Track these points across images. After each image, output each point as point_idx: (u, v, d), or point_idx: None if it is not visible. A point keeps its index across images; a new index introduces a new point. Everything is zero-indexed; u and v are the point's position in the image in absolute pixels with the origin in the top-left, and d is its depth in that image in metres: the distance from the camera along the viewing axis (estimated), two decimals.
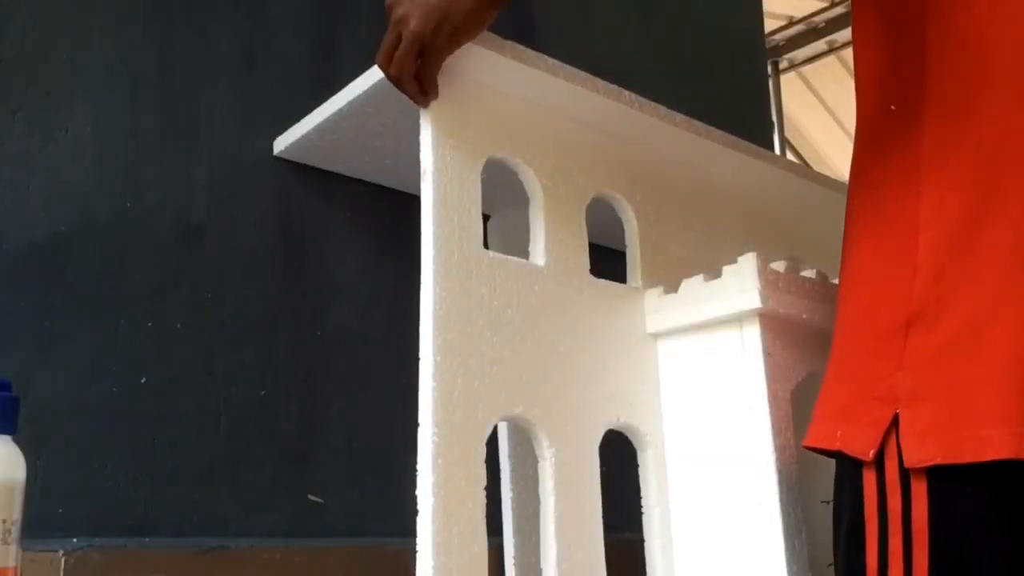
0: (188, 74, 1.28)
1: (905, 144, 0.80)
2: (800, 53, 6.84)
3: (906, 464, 0.73)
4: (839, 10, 6.47)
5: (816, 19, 6.56)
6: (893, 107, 0.82)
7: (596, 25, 1.89)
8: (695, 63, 2.11)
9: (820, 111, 7.33)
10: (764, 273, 0.97)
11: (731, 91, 2.18)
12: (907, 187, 0.79)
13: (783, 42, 6.72)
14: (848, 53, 6.83)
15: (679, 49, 2.08)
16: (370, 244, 1.41)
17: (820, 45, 6.74)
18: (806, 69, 7.01)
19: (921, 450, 0.72)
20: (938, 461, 0.71)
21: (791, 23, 6.62)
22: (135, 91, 1.23)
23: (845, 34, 6.62)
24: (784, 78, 6.90)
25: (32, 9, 1.17)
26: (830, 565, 0.87)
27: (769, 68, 5.99)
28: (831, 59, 6.87)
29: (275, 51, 1.37)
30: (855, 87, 0.90)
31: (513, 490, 1.20)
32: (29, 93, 1.15)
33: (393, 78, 0.92)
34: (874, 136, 0.85)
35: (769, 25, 5.60)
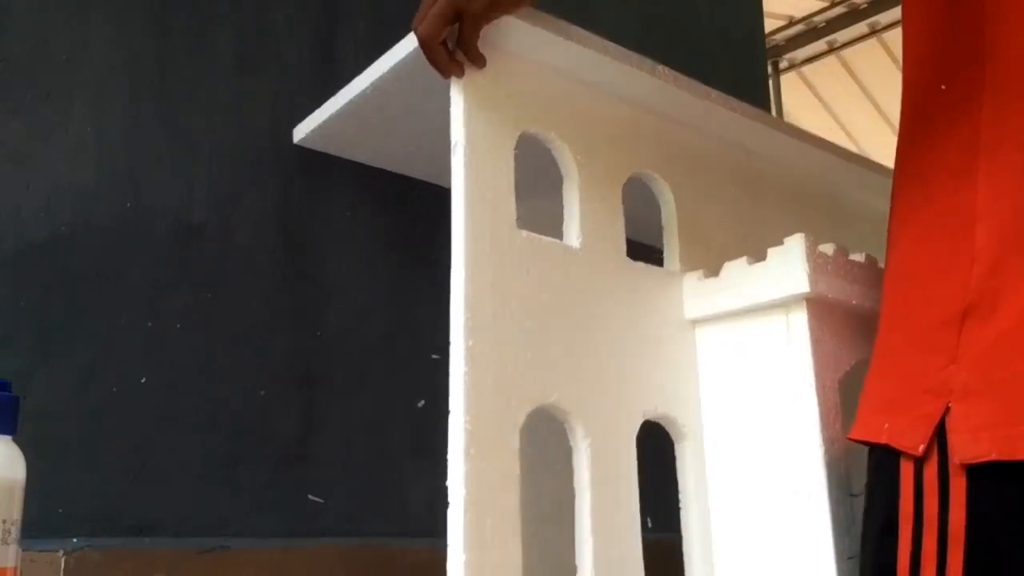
0: (188, 73, 1.28)
1: (960, 128, 0.76)
2: (800, 53, 6.85)
3: (959, 460, 0.70)
4: (839, 10, 6.48)
5: (816, 19, 6.57)
6: (944, 87, 0.78)
7: (595, 25, 1.89)
8: (695, 63, 2.10)
9: (820, 111, 7.33)
10: (812, 256, 0.92)
11: (731, 91, 2.17)
12: (962, 174, 0.75)
13: (783, 42, 6.73)
14: (847, 53, 6.84)
15: (679, 49, 2.08)
16: (370, 244, 1.41)
17: (820, 45, 6.75)
18: (806, 69, 7.01)
19: (976, 446, 0.69)
20: (993, 457, 0.68)
21: (791, 23, 6.63)
22: (135, 90, 1.23)
23: (845, 34, 6.63)
24: (784, 78, 6.91)
25: (32, 9, 1.17)
26: (851, 558, 0.85)
27: (769, 68, 6.00)
28: (831, 59, 6.87)
29: (275, 51, 1.37)
30: (903, 67, 0.86)
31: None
32: (29, 92, 1.15)
33: (421, 40, 0.88)
34: (924, 120, 0.81)
35: (769, 25, 5.60)
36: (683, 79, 1.09)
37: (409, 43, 1.02)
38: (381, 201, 1.42)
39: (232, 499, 1.19)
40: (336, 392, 1.32)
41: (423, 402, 1.36)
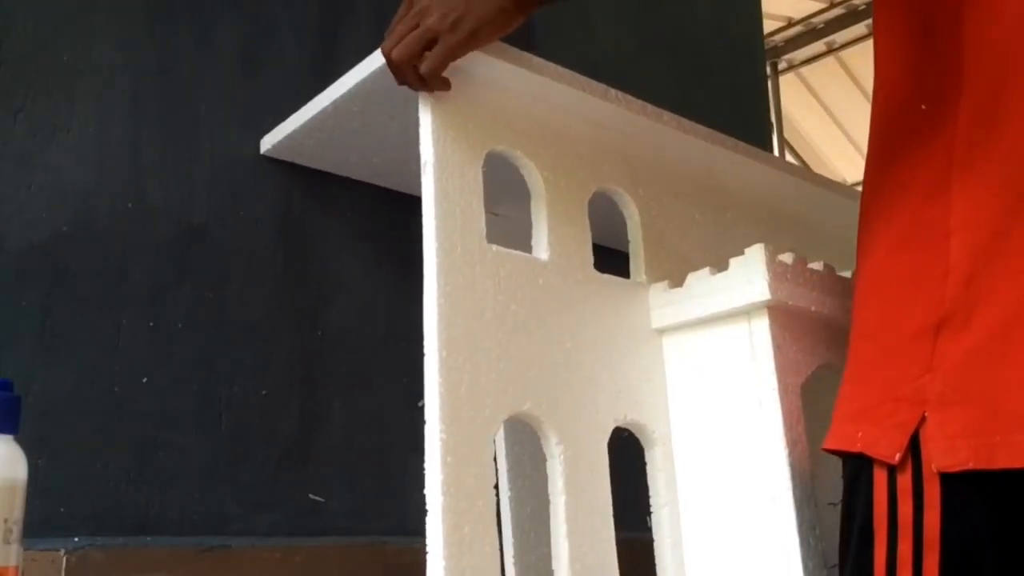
0: (189, 74, 1.28)
1: (934, 145, 0.78)
2: (799, 54, 6.86)
3: (936, 468, 0.71)
4: (838, 11, 6.48)
5: (815, 20, 6.57)
6: (924, 106, 0.80)
7: (596, 25, 1.90)
8: (695, 63, 2.11)
9: (819, 112, 7.34)
10: (772, 264, 0.96)
11: (731, 92, 2.18)
12: (936, 189, 0.77)
13: (782, 43, 6.73)
14: (847, 54, 6.84)
15: (679, 49, 2.08)
16: (371, 243, 1.41)
17: (819, 46, 6.75)
18: (805, 70, 7.02)
19: (953, 455, 0.70)
20: (970, 466, 0.69)
21: (790, 24, 6.63)
22: (136, 91, 1.23)
23: (844, 35, 6.63)
24: (783, 79, 6.92)
25: (34, 10, 1.17)
26: (834, 567, 0.86)
27: (768, 69, 6.01)
28: (830, 60, 6.87)
29: (276, 51, 1.38)
30: (875, 85, 0.88)
31: (511, 489, 1.20)
32: (31, 93, 1.15)
33: (394, 64, 0.89)
34: (898, 136, 0.83)
35: (768, 26, 5.61)
36: (635, 102, 1.12)
37: (369, 64, 1.05)
38: (382, 200, 1.43)
39: (233, 498, 1.20)
40: (337, 391, 1.32)
41: (423, 402, 1.36)
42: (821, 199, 1.41)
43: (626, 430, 1.04)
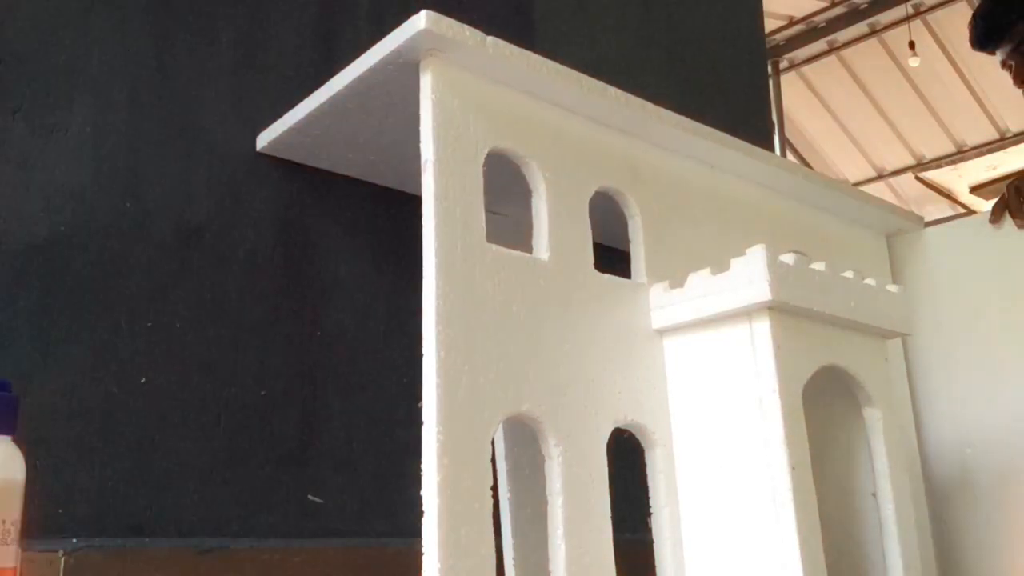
0: (188, 74, 1.28)
1: None
2: (800, 53, 6.86)
3: None
4: (839, 10, 6.48)
5: (816, 19, 6.58)
6: None
7: (596, 25, 1.89)
8: (695, 63, 2.11)
9: (820, 110, 7.34)
10: (773, 265, 0.96)
11: (731, 91, 2.18)
12: None
13: (783, 42, 6.74)
14: (847, 53, 6.85)
15: (679, 49, 2.08)
16: (371, 243, 1.41)
17: (820, 45, 6.76)
18: (806, 69, 7.02)
19: None
20: None
21: (791, 23, 6.64)
22: (135, 91, 1.23)
23: (845, 34, 6.64)
24: (784, 78, 6.92)
25: (32, 9, 1.17)
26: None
27: (769, 68, 6.01)
28: (831, 59, 6.88)
29: (275, 51, 1.37)
30: None
31: (511, 491, 1.20)
32: (29, 93, 1.15)
33: None
34: None
35: (769, 25, 5.62)
36: (636, 101, 1.12)
37: (367, 60, 1.04)
38: (382, 200, 1.42)
39: (232, 499, 1.19)
40: (336, 392, 1.32)
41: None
42: (822, 199, 1.41)
43: (626, 431, 1.03)
